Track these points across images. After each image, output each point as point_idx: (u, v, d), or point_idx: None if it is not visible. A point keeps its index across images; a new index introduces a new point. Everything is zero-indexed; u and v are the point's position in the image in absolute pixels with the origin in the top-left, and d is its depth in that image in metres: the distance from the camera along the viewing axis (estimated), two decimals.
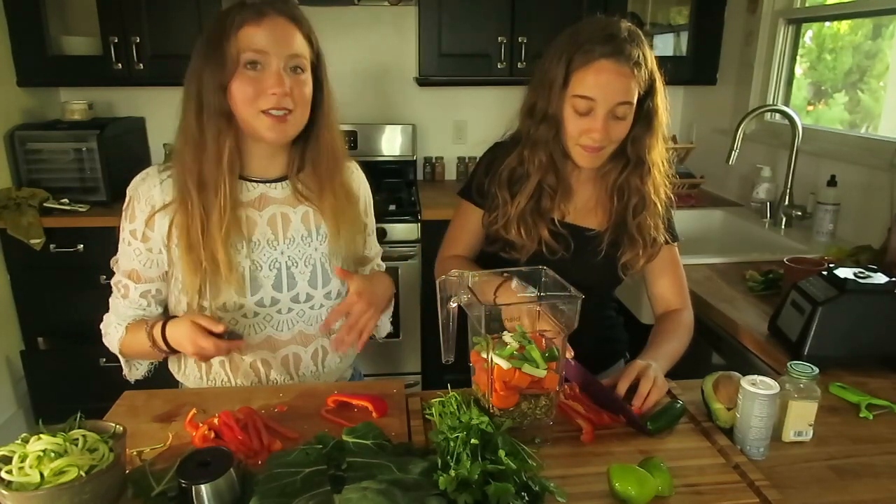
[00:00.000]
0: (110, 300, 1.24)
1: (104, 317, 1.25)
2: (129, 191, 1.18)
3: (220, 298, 1.18)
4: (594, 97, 1.16)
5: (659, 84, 1.22)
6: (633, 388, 1.10)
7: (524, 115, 1.29)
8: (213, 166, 1.12)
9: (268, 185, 1.22)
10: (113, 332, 1.21)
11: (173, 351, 1.17)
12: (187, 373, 1.28)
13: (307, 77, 1.14)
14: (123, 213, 1.19)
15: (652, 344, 1.27)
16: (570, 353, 1.05)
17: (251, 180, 1.21)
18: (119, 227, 1.20)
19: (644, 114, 1.23)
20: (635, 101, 1.19)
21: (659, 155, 1.28)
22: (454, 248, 1.40)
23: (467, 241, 1.40)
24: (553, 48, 1.22)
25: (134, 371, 1.27)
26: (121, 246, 1.20)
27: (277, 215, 1.22)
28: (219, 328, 1.09)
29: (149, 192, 1.16)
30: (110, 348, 1.23)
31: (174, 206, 1.15)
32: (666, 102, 1.25)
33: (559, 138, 1.24)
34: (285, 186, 1.24)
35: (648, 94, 1.21)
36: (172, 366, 1.31)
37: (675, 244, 1.39)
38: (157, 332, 1.16)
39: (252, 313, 1.21)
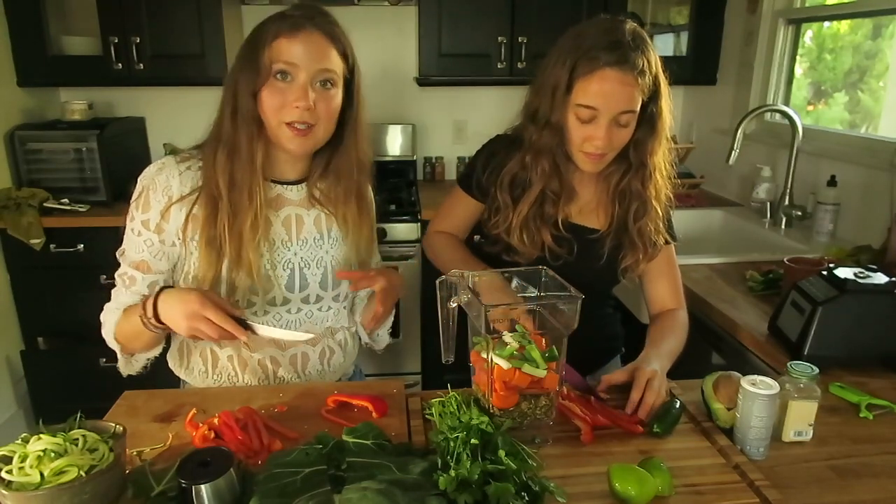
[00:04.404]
0: (112, 291, 1.21)
1: (105, 306, 1.21)
2: (142, 180, 1.18)
3: (234, 295, 1.18)
4: (597, 107, 1.16)
5: (663, 87, 1.21)
6: (628, 388, 1.11)
7: (526, 120, 1.28)
8: (247, 169, 1.14)
9: (284, 186, 1.23)
10: (110, 318, 1.18)
11: (160, 323, 1.08)
12: (191, 366, 1.27)
13: (336, 92, 1.15)
14: (134, 203, 1.17)
15: (653, 342, 1.26)
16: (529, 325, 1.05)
17: (269, 181, 1.21)
18: (127, 218, 1.18)
19: (647, 118, 1.22)
20: (638, 108, 1.18)
21: (662, 158, 1.28)
22: (445, 225, 1.47)
23: (458, 224, 1.45)
24: (557, 51, 1.20)
25: (129, 365, 1.22)
26: (128, 236, 1.19)
27: (292, 216, 1.23)
28: (236, 311, 1.07)
29: (166, 183, 1.16)
30: (106, 338, 1.20)
31: (193, 198, 1.15)
32: (670, 105, 1.24)
33: (562, 144, 1.24)
34: (301, 189, 1.25)
35: (652, 98, 1.20)
36: (174, 361, 1.30)
37: (673, 245, 1.39)
38: (150, 302, 1.08)
39: (262, 311, 1.22)
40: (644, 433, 1.04)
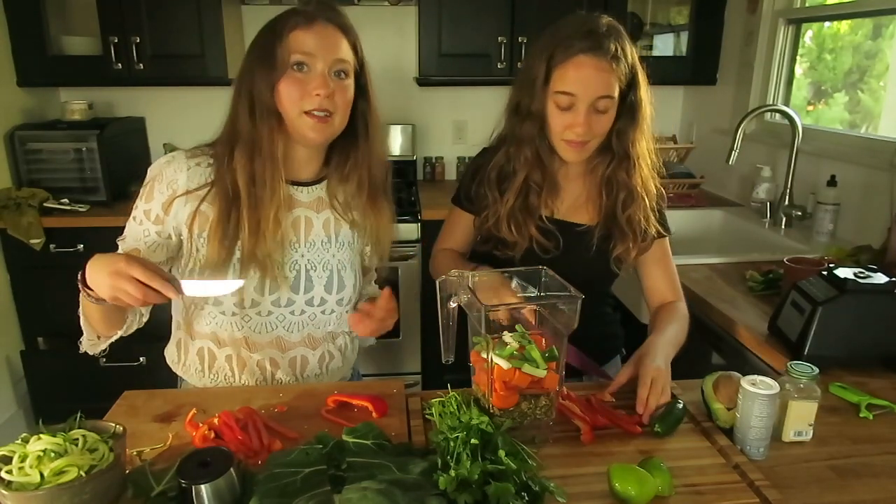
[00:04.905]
0: None
1: None
2: (150, 170, 1.19)
3: (238, 294, 1.18)
4: (575, 93, 1.18)
5: (641, 78, 1.24)
6: (631, 385, 1.11)
7: (509, 114, 1.31)
8: (268, 164, 1.14)
9: (296, 187, 1.23)
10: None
11: (89, 288, 1.02)
12: (188, 364, 1.27)
13: (350, 83, 1.17)
14: (140, 192, 1.18)
15: (657, 330, 1.26)
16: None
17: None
18: (132, 206, 1.18)
19: (627, 107, 1.24)
20: (616, 94, 1.20)
21: (645, 148, 1.30)
22: (446, 244, 1.46)
23: (457, 241, 1.45)
24: (535, 46, 1.25)
25: (92, 346, 1.19)
26: (129, 224, 1.19)
27: (301, 218, 1.24)
28: (164, 273, 0.99)
29: (173, 176, 1.16)
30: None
31: (202, 193, 1.15)
32: (650, 96, 1.26)
33: (544, 134, 1.27)
34: (311, 191, 1.25)
35: (631, 87, 1.23)
36: (171, 357, 1.30)
37: (667, 238, 1.40)
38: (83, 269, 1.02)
39: (266, 311, 1.22)
40: (644, 433, 1.05)
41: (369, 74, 1.22)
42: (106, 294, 0.98)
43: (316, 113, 1.12)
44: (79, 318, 1.17)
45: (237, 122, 1.15)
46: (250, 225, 1.14)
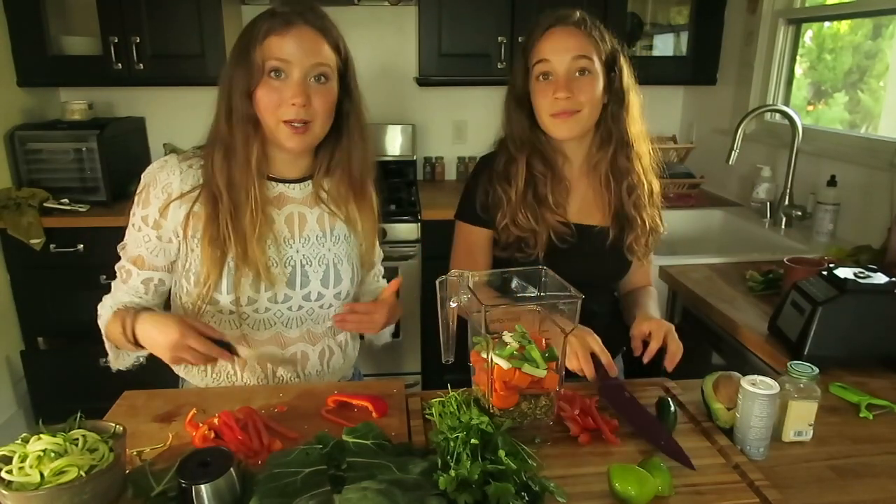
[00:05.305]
0: (112, 283, 1.23)
1: (103, 297, 1.23)
2: (144, 176, 1.19)
3: (234, 293, 1.18)
4: (549, 58, 1.24)
5: (624, 63, 1.30)
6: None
7: (505, 111, 1.37)
8: (243, 169, 1.15)
9: (287, 184, 1.24)
10: (105, 313, 1.19)
11: (138, 345, 1.12)
12: (190, 366, 1.27)
13: (331, 86, 1.15)
14: (136, 199, 1.19)
15: (640, 305, 1.37)
16: (613, 371, 1.11)
17: (272, 179, 1.23)
18: (129, 213, 1.20)
19: (614, 91, 1.29)
20: (595, 58, 1.25)
21: (640, 133, 1.34)
22: (460, 265, 1.38)
23: (472, 257, 1.40)
24: (521, 46, 1.33)
25: (119, 360, 1.23)
26: (129, 231, 1.20)
27: (295, 214, 1.24)
28: (215, 333, 1.09)
29: (167, 180, 1.17)
30: (101, 328, 1.20)
31: (194, 195, 1.16)
32: (635, 83, 1.32)
33: (535, 117, 1.31)
34: (304, 187, 1.25)
35: (613, 69, 1.28)
36: None
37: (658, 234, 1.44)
38: (128, 325, 1.11)
39: (263, 309, 1.22)
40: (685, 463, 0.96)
41: (354, 72, 1.21)
42: (168, 362, 1.11)
43: (294, 124, 1.11)
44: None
45: (218, 124, 1.16)
46: (234, 229, 1.15)
